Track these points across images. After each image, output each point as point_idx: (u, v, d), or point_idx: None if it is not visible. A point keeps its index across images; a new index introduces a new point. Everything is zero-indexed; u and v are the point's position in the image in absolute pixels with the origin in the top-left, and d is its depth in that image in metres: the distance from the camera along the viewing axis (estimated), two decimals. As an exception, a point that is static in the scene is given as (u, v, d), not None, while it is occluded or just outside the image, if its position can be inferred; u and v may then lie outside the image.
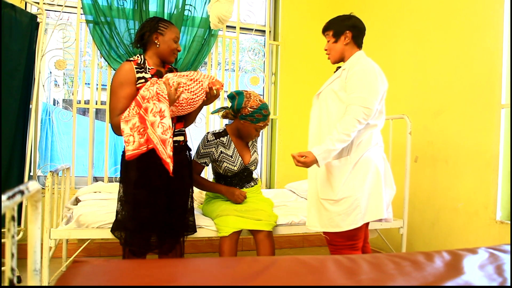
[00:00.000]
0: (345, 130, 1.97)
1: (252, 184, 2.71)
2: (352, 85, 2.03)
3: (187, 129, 2.36)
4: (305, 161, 1.99)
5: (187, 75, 2.11)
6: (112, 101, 2.10)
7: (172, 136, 1.96)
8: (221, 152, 2.55)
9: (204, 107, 2.37)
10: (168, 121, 1.94)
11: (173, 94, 2.02)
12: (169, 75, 2.09)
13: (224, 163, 2.55)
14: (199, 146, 2.60)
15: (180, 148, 2.24)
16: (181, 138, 2.24)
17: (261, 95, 4.29)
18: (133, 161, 2.03)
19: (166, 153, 1.93)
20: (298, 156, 2.00)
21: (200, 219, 2.50)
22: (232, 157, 2.55)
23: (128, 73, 2.09)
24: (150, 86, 2.00)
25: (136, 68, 2.12)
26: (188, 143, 2.34)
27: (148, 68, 2.15)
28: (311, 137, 2.25)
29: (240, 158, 2.58)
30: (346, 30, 2.15)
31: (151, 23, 2.18)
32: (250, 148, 2.69)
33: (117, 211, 2.17)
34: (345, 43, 2.17)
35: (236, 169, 2.57)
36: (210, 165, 2.67)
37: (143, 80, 2.10)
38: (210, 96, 2.19)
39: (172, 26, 2.21)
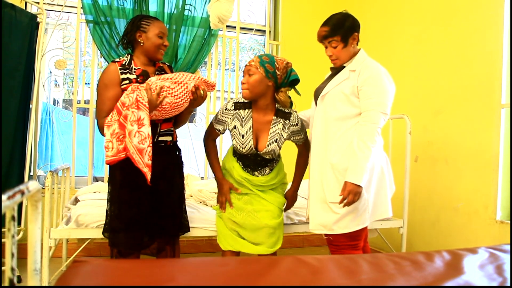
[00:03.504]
0: (372, 142, 1.98)
1: (268, 171, 2.32)
2: (368, 91, 2.02)
3: (186, 129, 2.33)
4: (357, 198, 1.97)
5: (171, 78, 2.04)
6: (98, 103, 2.09)
7: (150, 145, 1.91)
8: (235, 127, 2.22)
9: (204, 106, 2.33)
10: (146, 130, 1.90)
11: (155, 99, 1.95)
12: (152, 79, 2.02)
13: (234, 141, 2.24)
14: (219, 110, 2.30)
15: (168, 149, 2.19)
16: (168, 138, 2.18)
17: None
18: (118, 162, 2.02)
19: (143, 163, 1.90)
20: (347, 197, 1.97)
21: (199, 219, 2.49)
22: (243, 138, 2.20)
23: (112, 75, 2.07)
24: (130, 93, 1.96)
25: (120, 69, 2.08)
26: (178, 143, 2.29)
27: (134, 68, 2.11)
28: (315, 139, 2.21)
29: (251, 142, 2.20)
30: (354, 32, 2.11)
31: (133, 22, 2.14)
32: (271, 135, 2.22)
33: (106, 211, 2.17)
34: (353, 45, 2.13)
35: (245, 151, 2.23)
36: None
37: (127, 81, 2.06)
38: (197, 97, 2.09)
39: (155, 22, 2.14)
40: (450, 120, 2.91)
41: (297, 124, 2.25)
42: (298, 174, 2.43)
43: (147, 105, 1.92)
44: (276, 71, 2.14)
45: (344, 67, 2.16)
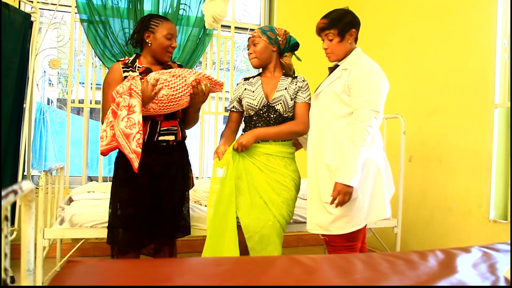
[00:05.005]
0: (361, 141, 1.95)
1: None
2: (358, 89, 2.00)
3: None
4: (347, 198, 1.95)
5: (169, 72, 2.04)
6: (103, 102, 2.14)
7: (140, 132, 1.89)
8: (245, 89, 2.35)
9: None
10: (137, 117, 1.89)
11: (149, 90, 1.94)
12: (151, 74, 2.03)
13: (245, 98, 2.31)
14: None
15: (170, 148, 2.17)
16: (170, 137, 2.16)
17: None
18: (120, 160, 2.03)
19: (130, 148, 1.88)
20: (338, 197, 1.95)
21: (194, 219, 2.49)
22: (253, 92, 2.31)
23: (115, 74, 2.10)
24: (125, 82, 1.98)
25: (123, 67, 2.11)
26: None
27: (138, 66, 2.12)
28: (310, 139, 2.20)
29: (262, 93, 2.30)
30: (352, 28, 2.10)
31: (142, 21, 2.14)
32: (279, 86, 2.30)
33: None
34: (350, 41, 2.11)
35: (256, 103, 2.28)
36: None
37: None
38: (197, 91, 2.07)
39: (164, 22, 2.13)
40: (444, 120, 2.93)
41: (303, 81, 2.37)
42: (277, 127, 2.27)
43: (140, 94, 1.92)
44: (278, 37, 2.32)
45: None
